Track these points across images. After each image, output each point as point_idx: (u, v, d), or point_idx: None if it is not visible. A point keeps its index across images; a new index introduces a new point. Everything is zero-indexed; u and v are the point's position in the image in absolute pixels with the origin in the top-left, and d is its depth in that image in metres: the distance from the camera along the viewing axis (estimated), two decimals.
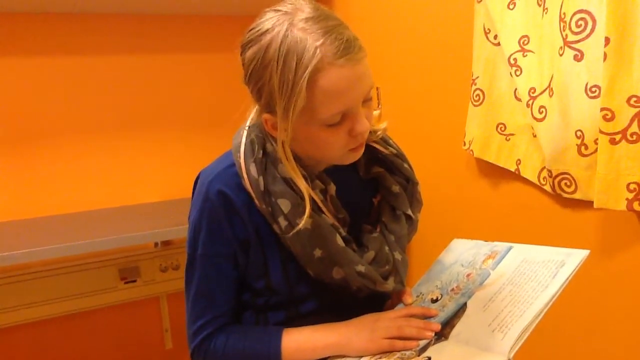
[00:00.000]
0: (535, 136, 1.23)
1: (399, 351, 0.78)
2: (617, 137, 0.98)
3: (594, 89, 1.04)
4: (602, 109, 0.98)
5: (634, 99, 0.95)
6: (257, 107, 0.82)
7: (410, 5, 1.61)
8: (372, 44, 1.65)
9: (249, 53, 0.75)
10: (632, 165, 0.97)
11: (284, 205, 0.79)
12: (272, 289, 0.86)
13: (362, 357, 0.81)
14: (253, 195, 0.81)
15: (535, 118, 1.19)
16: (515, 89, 1.27)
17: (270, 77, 0.72)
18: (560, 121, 1.12)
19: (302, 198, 0.78)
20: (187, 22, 1.98)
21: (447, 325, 0.79)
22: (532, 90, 1.20)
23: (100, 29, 1.84)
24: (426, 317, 0.83)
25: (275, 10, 0.75)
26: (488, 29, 1.32)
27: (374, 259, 0.85)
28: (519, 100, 1.26)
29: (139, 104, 1.93)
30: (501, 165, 1.36)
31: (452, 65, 1.50)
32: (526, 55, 1.23)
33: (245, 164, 0.81)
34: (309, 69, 0.69)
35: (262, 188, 0.80)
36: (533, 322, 0.72)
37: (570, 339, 1.26)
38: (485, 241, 0.94)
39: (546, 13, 1.16)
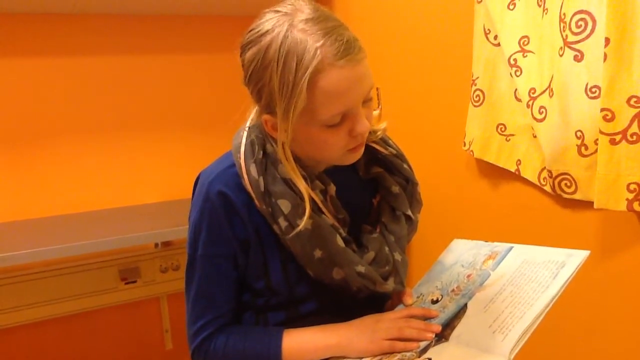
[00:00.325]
0: (535, 136, 1.23)
1: (399, 352, 0.78)
2: (617, 137, 0.98)
3: (594, 90, 1.04)
4: (602, 110, 0.98)
5: (634, 99, 0.95)
6: (257, 107, 0.82)
7: (410, 6, 1.61)
8: (372, 44, 1.65)
9: (249, 54, 0.75)
10: (632, 165, 0.97)
11: (284, 205, 0.79)
12: (272, 290, 0.86)
13: (362, 358, 0.81)
14: (253, 195, 0.81)
15: (535, 118, 1.19)
16: (516, 90, 1.27)
17: (270, 79, 0.72)
18: (561, 121, 1.12)
19: (302, 199, 0.78)
20: (187, 22, 1.98)
21: (448, 327, 0.79)
22: (532, 91, 1.20)
23: (100, 29, 1.84)
24: (427, 318, 0.83)
25: (275, 11, 0.74)
26: (488, 29, 1.32)
27: (374, 259, 0.85)
28: (519, 100, 1.26)
29: (139, 104, 1.93)
30: (501, 166, 1.36)
31: (452, 66, 1.50)
32: (526, 55, 1.23)
33: (245, 165, 0.81)
34: (309, 70, 0.69)
35: (262, 188, 0.80)
36: (534, 323, 0.72)
37: (570, 340, 1.26)
38: (486, 242, 0.94)
39: (546, 13, 1.16)
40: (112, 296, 1.83)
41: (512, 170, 1.33)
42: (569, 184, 1.16)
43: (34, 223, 1.72)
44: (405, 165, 0.93)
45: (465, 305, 0.82)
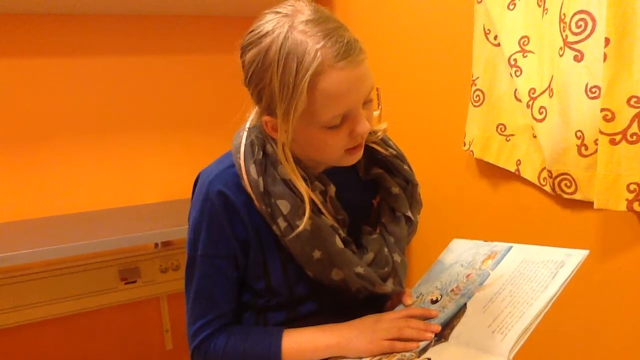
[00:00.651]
0: (535, 137, 1.23)
1: (399, 352, 0.78)
2: (617, 137, 0.98)
3: (594, 90, 1.04)
4: (602, 110, 0.98)
5: (634, 99, 0.95)
6: (257, 108, 0.82)
7: (410, 6, 1.61)
8: (372, 44, 1.65)
9: (249, 55, 0.75)
10: (632, 165, 0.97)
11: (284, 206, 0.79)
12: (272, 290, 0.86)
13: (362, 358, 0.81)
14: (253, 196, 0.81)
15: (535, 119, 1.19)
16: (515, 90, 1.27)
17: (270, 80, 0.72)
18: (560, 122, 1.12)
19: (302, 199, 0.79)
20: (187, 23, 1.98)
21: (447, 327, 0.79)
22: (532, 91, 1.20)
23: (100, 30, 1.84)
24: (426, 318, 0.83)
25: (275, 12, 0.74)
26: (488, 29, 1.32)
27: (373, 260, 0.85)
28: (519, 100, 1.26)
29: (139, 104, 1.93)
30: (501, 166, 1.36)
31: (452, 66, 1.50)
32: (526, 55, 1.23)
33: (245, 165, 0.81)
34: (310, 71, 0.69)
35: (261, 189, 0.80)
36: (533, 323, 0.72)
37: (570, 340, 1.26)
38: (485, 241, 0.94)
39: (546, 13, 1.16)
40: (112, 296, 1.83)
41: (512, 170, 1.33)
42: (569, 184, 1.16)
43: (34, 223, 1.72)
44: (405, 166, 0.93)
45: (465, 305, 0.82)
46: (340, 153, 0.79)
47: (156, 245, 1.91)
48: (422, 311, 0.85)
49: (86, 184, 1.87)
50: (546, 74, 1.17)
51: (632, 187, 0.98)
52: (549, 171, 1.18)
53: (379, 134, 0.90)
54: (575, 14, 1.05)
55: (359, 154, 0.82)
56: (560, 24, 1.10)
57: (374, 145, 0.90)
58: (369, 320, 0.84)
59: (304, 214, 0.78)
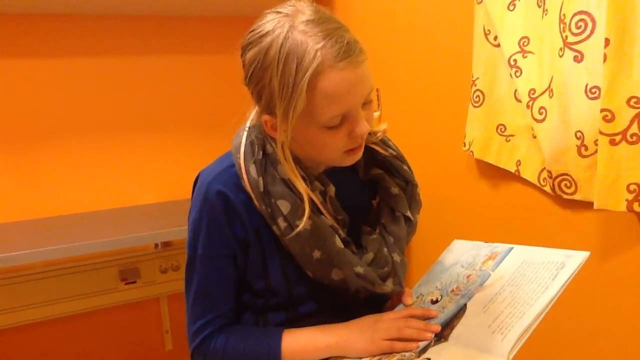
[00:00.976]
0: (535, 137, 1.23)
1: (398, 352, 0.78)
2: (617, 138, 0.98)
3: (594, 90, 1.04)
4: (602, 110, 0.98)
5: (634, 100, 0.95)
6: (257, 108, 0.82)
7: (411, 7, 1.61)
8: (373, 45, 1.65)
9: (249, 55, 0.75)
10: (632, 166, 0.97)
11: (283, 206, 0.79)
12: (271, 290, 0.86)
13: (362, 358, 0.81)
14: (252, 196, 0.81)
15: (535, 119, 1.19)
16: (515, 90, 1.27)
17: (270, 80, 0.72)
18: (560, 122, 1.12)
19: (302, 199, 0.79)
20: (187, 23, 1.98)
21: (447, 327, 0.79)
22: (532, 92, 1.20)
23: (100, 30, 1.84)
24: (426, 318, 0.83)
25: (275, 12, 0.75)
26: (488, 30, 1.32)
27: (373, 260, 0.85)
28: (519, 101, 1.26)
29: (139, 104, 1.93)
30: (501, 167, 1.36)
31: (452, 67, 1.50)
32: (526, 56, 1.23)
33: (245, 165, 0.81)
34: (309, 71, 0.69)
35: (261, 189, 0.80)
36: (533, 324, 0.72)
37: (570, 340, 1.26)
38: (486, 242, 0.94)
39: (546, 14, 1.16)
40: (112, 296, 1.83)
41: (512, 170, 1.33)
42: (569, 185, 1.16)
43: (34, 223, 1.72)
44: (405, 167, 0.93)
45: (465, 305, 0.82)
46: (339, 153, 0.79)
47: (156, 245, 1.91)
48: (422, 311, 0.85)
49: (86, 184, 1.87)
50: (546, 75, 1.17)
51: (632, 187, 0.98)
52: (549, 171, 1.19)
53: (378, 134, 0.91)
54: (575, 14, 1.05)
55: (359, 154, 0.82)
56: (560, 25, 1.10)
57: (374, 146, 0.90)
58: (368, 320, 0.84)
59: (303, 214, 0.78)
